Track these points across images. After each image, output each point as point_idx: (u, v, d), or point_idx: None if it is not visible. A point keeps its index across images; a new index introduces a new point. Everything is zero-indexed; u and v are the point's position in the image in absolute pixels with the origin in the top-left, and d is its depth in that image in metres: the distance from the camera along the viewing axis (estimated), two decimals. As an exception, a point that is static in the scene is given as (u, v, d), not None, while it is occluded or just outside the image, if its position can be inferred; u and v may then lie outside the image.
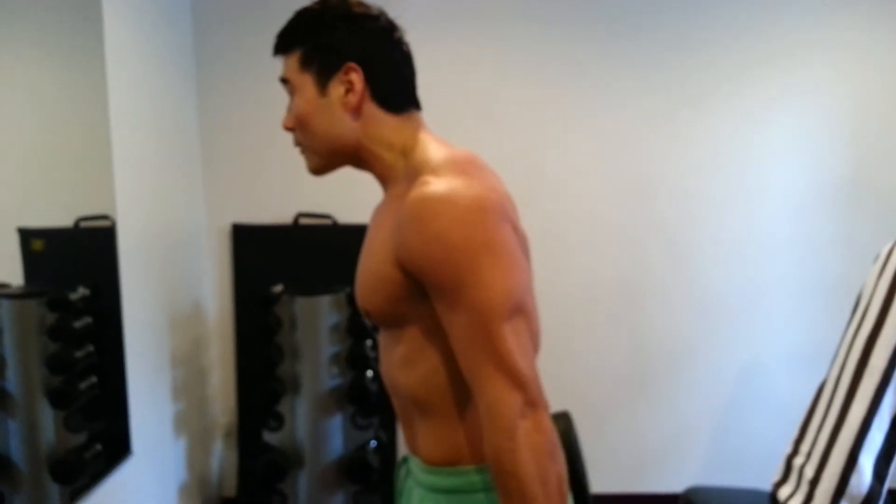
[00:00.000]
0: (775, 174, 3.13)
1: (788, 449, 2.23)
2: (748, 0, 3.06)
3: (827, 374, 2.17)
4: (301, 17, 1.18)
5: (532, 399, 0.99)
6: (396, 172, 1.16)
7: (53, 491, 1.88)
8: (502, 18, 3.06)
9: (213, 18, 3.03)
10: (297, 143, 1.24)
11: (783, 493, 2.14)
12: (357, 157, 1.19)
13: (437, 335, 1.07)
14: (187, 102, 2.98)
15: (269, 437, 2.76)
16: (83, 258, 2.12)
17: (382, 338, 1.23)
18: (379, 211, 1.22)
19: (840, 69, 3.09)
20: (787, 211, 3.15)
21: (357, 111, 1.14)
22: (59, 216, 1.96)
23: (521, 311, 1.02)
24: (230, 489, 3.27)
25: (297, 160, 3.15)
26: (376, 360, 2.74)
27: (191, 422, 2.92)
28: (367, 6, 1.18)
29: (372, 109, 1.15)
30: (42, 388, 1.85)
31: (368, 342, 2.70)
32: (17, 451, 1.76)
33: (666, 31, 3.07)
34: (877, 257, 2.10)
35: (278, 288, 2.79)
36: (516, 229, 1.10)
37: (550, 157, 3.11)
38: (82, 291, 2.04)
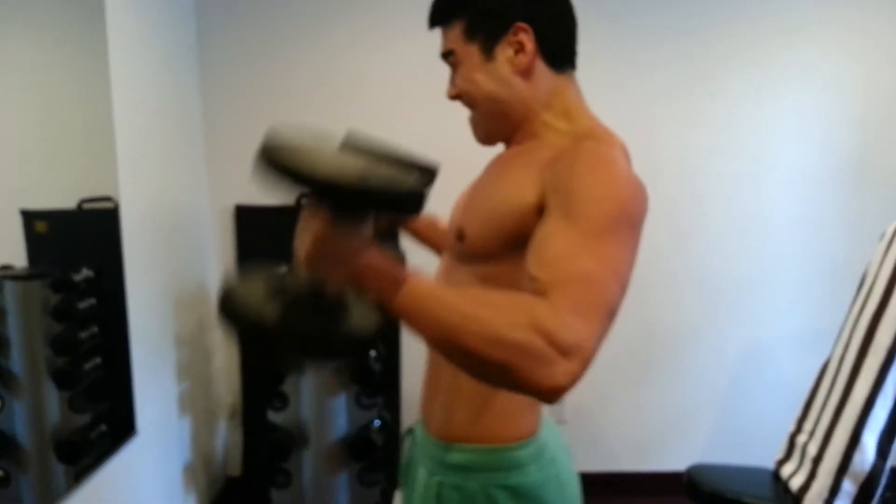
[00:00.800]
0: (781, 154, 3.12)
1: (792, 427, 2.24)
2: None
3: (831, 352, 2.17)
4: None
5: (579, 347, 0.84)
6: (551, 132, 1.13)
7: (59, 471, 1.89)
8: None
9: (217, 1, 3.01)
10: (469, 109, 1.20)
11: (786, 470, 2.15)
12: (525, 119, 1.15)
13: (502, 287, 1.01)
14: (190, 83, 2.96)
15: (274, 417, 2.77)
16: (86, 240, 2.11)
17: (446, 272, 1.19)
18: (513, 154, 1.18)
19: (847, 48, 3.06)
20: (792, 191, 3.14)
21: (528, 72, 1.12)
22: (61, 198, 1.95)
23: (623, 288, 0.94)
24: (235, 468, 3.29)
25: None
26: (380, 339, 2.74)
27: (195, 402, 2.93)
28: None
29: (541, 68, 1.12)
30: (47, 368, 1.86)
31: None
32: (22, 431, 1.77)
33: (670, 9, 3.05)
34: (882, 235, 2.10)
35: (282, 268, 2.79)
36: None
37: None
38: (86, 273, 2.04)
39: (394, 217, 0.87)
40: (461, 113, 1.21)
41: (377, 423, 2.77)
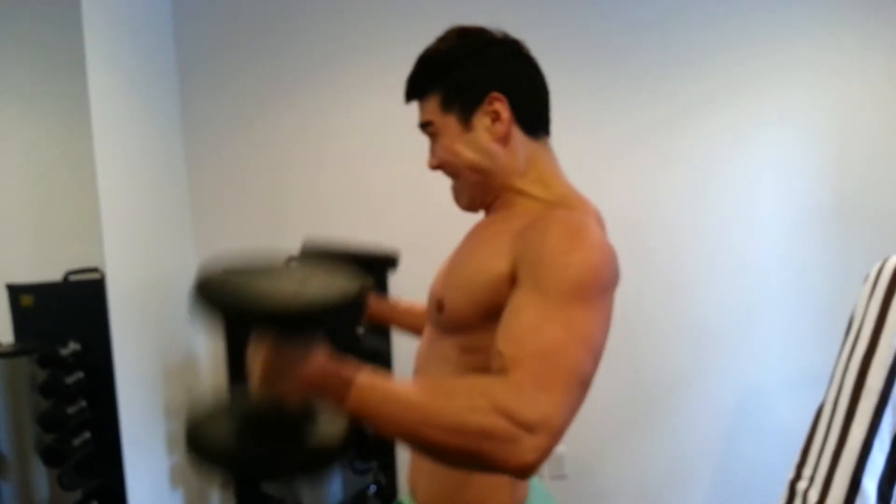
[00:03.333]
0: (761, 197, 3.15)
1: (791, 474, 2.21)
2: (729, 21, 3.10)
3: (825, 396, 2.16)
4: (429, 60, 1.18)
5: (545, 423, 0.84)
6: (525, 199, 1.15)
7: (48, 552, 1.85)
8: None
9: (198, 68, 3.06)
10: (452, 178, 1.23)
11: (789, 519, 2.11)
12: (504, 185, 1.17)
13: (480, 356, 1.05)
14: (174, 152, 2.99)
15: (267, 487, 2.73)
16: (73, 312, 2.11)
17: (430, 341, 1.20)
18: (489, 222, 1.19)
19: (824, 89, 3.12)
20: (775, 234, 3.16)
21: (506, 139, 1.14)
22: (47, 270, 1.95)
23: (594, 354, 0.95)
24: (230, 541, 3.22)
25: (288, 208, 3.18)
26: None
27: (187, 474, 2.88)
28: (487, 32, 1.18)
29: (518, 136, 1.16)
30: (35, 446, 1.83)
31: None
32: (10, 511, 1.74)
33: (645, 55, 3.11)
34: (867, 277, 2.11)
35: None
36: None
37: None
38: (73, 346, 2.02)
39: (341, 325, 0.91)
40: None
41: (373, 488, 2.73)
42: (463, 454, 0.83)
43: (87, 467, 2.06)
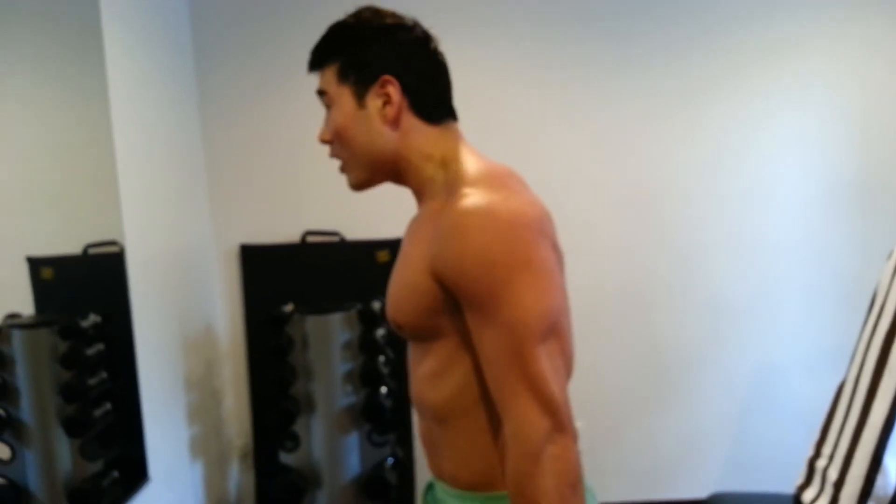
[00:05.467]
0: (783, 172, 3.11)
1: (810, 451, 2.20)
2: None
3: (846, 374, 2.14)
4: (335, 30, 1.18)
5: (561, 425, 0.97)
6: (435, 185, 1.14)
7: (72, 520, 1.88)
8: (496, 23, 3.06)
9: (214, 42, 3.05)
10: (335, 156, 1.22)
11: (807, 496, 2.11)
12: (396, 169, 1.18)
13: (469, 350, 1.06)
14: (191, 125, 2.99)
15: (286, 458, 2.75)
16: (93, 285, 2.12)
17: (412, 351, 1.21)
18: (415, 224, 1.21)
19: (844, 63, 3.07)
20: (796, 210, 3.13)
21: (396, 123, 1.14)
22: (67, 244, 1.96)
23: (556, 332, 1.01)
24: (249, 511, 3.26)
25: (303, 178, 3.17)
26: (390, 376, 2.73)
27: (207, 445, 2.91)
28: (400, 17, 1.18)
29: (411, 120, 1.15)
30: (56, 416, 1.85)
31: (381, 358, 2.69)
32: (33, 480, 1.76)
33: (664, 28, 3.06)
34: (890, 254, 2.08)
35: (289, 307, 2.79)
36: (555, 247, 1.09)
37: (548, 165, 3.10)
38: (93, 318, 2.04)
39: None
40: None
41: (390, 460, 2.75)
42: (572, 502, 0.97)
43: (108, 437, 2.09)
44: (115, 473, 2.10)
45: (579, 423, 3.12)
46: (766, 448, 3.20)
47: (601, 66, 3.08)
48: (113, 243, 2.18)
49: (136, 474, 2.25)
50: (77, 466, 1.92)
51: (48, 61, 1.92)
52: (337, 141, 1.19)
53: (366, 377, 2.66)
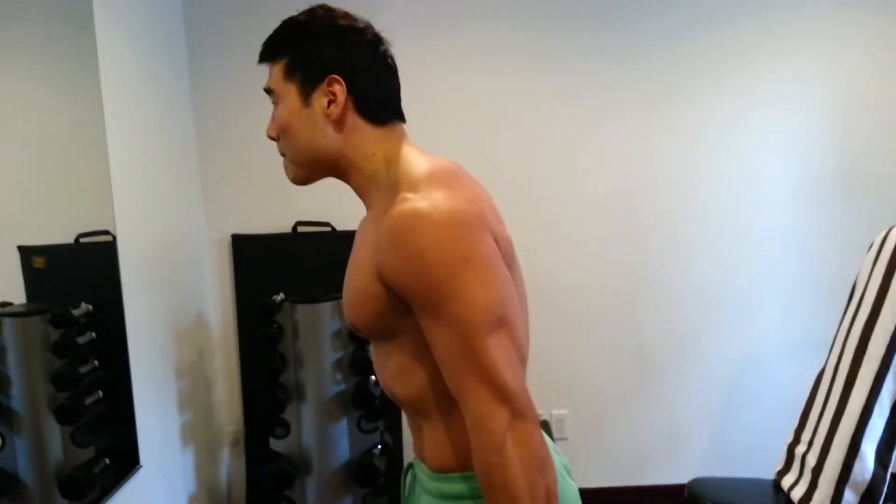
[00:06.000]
0: (764, 165, 3.15)
1: (789, 438, 2.24)
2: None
3: (825, 362, 2.18)
4: (286, 26, 1.19)
5: (519, 411, 0.98)
6: (377, 186, 1.16)
7: (63, 506, 1.90)
8: (480, 12, 3.07)
9: (205, 31, 3.05)
10: (281, 151, 1.24)
11: (786, 481, 2.15)
12: (338, 168, 1.19)
13: (428, 347, 1.07)
14: (183, 115, 2.99)
15: (276, 445, 2.78)
16: (85, 274, 2.13)
17: (375, 351, 1.23)
18: (362, 226, 1.22)
19: (825, 57, 3.11)
20: (778, 202, 3.16)
21: (340, 122, 1.15)
22: (59, 233, 1.97)
23: (505, 323, 1.01)
24: (239, 497, 3.28)
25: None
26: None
27: (198, 432, 2.93)
28: (353, 18, 1.19)
29: (355, 121, 1.16)
30: (48, 404, 1.86)
31: (370, 347, 2.71)
32: (24, 468, 1.77)
33: (646, 22, 3.09)
34: (871, 245, 2.12)
35: (279, 296, 2.81)
36: (499, 238, 1.09)
37: (531, 158, 3.12)
38: (85, 307, 2.05)
39: None
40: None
41: (379, 447, 2.78)
42: (541, 484, 1.00)
43: (99, 425, 2.10)
44: (107, 461, 2.11)
45: (564, 411, 3.16)
46: (747, 435, 3.25)
47: (584, 59, 3.09)
48: (105, 233, 2.19)
49: (127, 461, 2.27)
50: (68, 454, 1.93)
51: (40, 51, 1.92)
52: (282, 137, 1.20)
53: (355, 365, 2.69)
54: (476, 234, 1.03)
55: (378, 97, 1.18)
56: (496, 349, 0.99)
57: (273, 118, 1.22)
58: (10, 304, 1.73)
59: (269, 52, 1.20)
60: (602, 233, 3.17)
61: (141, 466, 2.33)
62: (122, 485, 2.20)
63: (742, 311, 3.21)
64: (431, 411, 1.15)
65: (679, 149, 3.14)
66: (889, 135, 3.13)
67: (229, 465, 3.30)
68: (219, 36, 3.05)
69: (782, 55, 3.09)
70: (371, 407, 2.67)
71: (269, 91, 1.21)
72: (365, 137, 1.17)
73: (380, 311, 1.09)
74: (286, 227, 3.12)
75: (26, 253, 1.77)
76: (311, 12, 1.19)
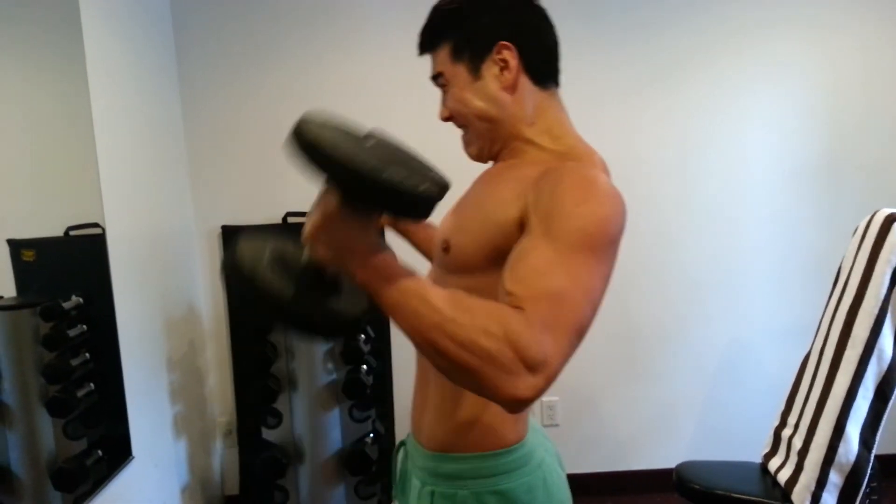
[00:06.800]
0: (752, 151, 3.17)
1: (776, 421, 2.27)
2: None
3: (811, 346, 2.21)
4: (441, 11, 1.20)
5: (545, 360, 0.86)
6: (534, 148, 1.17)
7: (56, 499, 1.90)
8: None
9: (193, 22, 3.03)
10: (462, 128, 1.25)
11: (773, 464, 2.18)
12: (510, 135, 1.19)
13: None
14: (171, 107, 2.98)
15: (269, 434, 2.79)
16: (75, 267, 2.13)
17: (438, 279, 1.21)
18: (499, 169, 1.21)
19: (813, 44, 3.12)
20: (768, 186, 3.18)
21: (514, 87, 1.16)
22: (48, 226, 1.97)
23: (594, 308, 0.97)
24: (233, 487, 3.30)
25: (284, 160, 3.19)
26: (371, 354, 2.77)
27: (190, 423, 2.94)
28: None
29: (525, 84, 1.17)
30: (39, 397, 1.87)
31: (362, 337, 2.73)
32: (17, 461, 1.77)
33: (634, 6, 3.09)
34: (855, 230, 2.14)
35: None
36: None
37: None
38: (75, 300, 2.05)
39: (399, 216, 0.91)
40: (430, 127, 1.24)
41: (371, 435, 2.80)
42: (465, 370, 0.85)
43: (91, 417, 2.10)
44: (99, 452, 2.12)
45: (554, 398, 3.18)
46: (734, 419, 3.28)
47: (571, 44, 3.07)
48: (94, 225, 2.18)
49: (119, 452, 2.28)
50: (60, 446, 1.94)
51: (26, 45, 1.92)
52: (458, 116, 1.21)
53: (346, 355, 2.70)
54: (620, 234, 1.03)
55: (544, 54, 1.20)
56: (577, 331, 0.93)
57: (443, 102, 1.23)
58: None
59: (431, 41, 1.21)
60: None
61: (133, 457, 2.33)
62: (115, 476, 2.20)
63: (729, 296, 3.24)
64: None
65: (665, 136, 3.15)
66: (875, 121, 3.15)
67: (222, 455, 3.31)
68: (207, 26, 3.04)
69: (769, 42, 3.11)
70: (362, 396, 2.69)
71: (436, 77, 1.22)
72: (532, 101, 1.18)
73: (495, 244, 1.07)
74: (276, 218, 3.12)
75: (15, 246, 1.77)
76: None
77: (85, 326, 2.08)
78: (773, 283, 3.24)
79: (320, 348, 2.71)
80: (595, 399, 3.29)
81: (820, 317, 2.21)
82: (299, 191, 3.09)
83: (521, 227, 1.03)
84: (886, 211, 1.98)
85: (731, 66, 3.12)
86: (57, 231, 2.01)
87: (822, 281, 2.49)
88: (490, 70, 1.16)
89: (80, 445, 2.05)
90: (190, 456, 2.91)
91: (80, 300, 2.07)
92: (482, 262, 1.10)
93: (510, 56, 1.14)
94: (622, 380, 3.29)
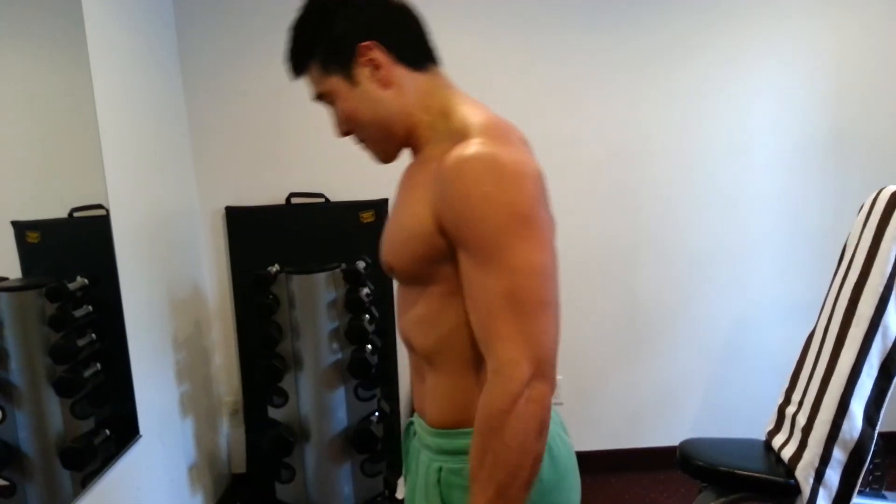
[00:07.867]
0: (757, 128, 3.15)
1: (780, 398, 2.28)
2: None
3: (816, 323, 2.21)
4: (297, 31, 1.19)
5: (543, 372, 0.99)
6: (436, 133, 1.15)
7: (65, 478, 1.92)
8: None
9: (195, 4, 3.01)
10: (359, 142, 1.24)
11: (777, 441, 2.19)
12: (407, 129, 1.19)
13: (457, 298, 1.08)
14: (174, 88, 2.97)
15: (275, 413, 2.81)
16: (80, 248, 2.14)
17: (402, 293, 1.23)
18: (412, 171, 1.21)
19: (818, 19, 3.09)
20: (774, 163, 3.17)
21: (391, 82, 1.15)
22: (52, 208, 1.97)
23: (553, 289, 1.03)
24: (239, 465, 3.33)
25: (287, 141, 3.18)
26: (375, 333, 2.78)
27: (197, 402, 2.96)
28: None
29: (401, 73, 1.16)
30: (47, 377, 1.88)
31: (366, 317, 2.73)
32: (25, 441, 1.79)
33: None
34: (861, 207, 2.13)
35: (275, 267, 2.82)
36: (549, 211, 1.10)
37: (535, 121, 3.11)
38: (81, 281, 2.06)
39: None
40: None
41: (377, 414, 2.81)
42: (534, 447, 1.01)
43: (98, 397, 2.12)
44: (107, 431, 2.13)
45: (559, 377, 3.18)
46: (738, 397, 3.29)
47: (571, 23, 3.07)
48: (98, 207, 2.19)
49: (127, 431, 2.30)
50: (68, 425, 1.95)
51: (28, 27, 1.91)
52: (352, 127, 1.20)
53: (351, 335, 2.70)
54: (540, 196, 1.05)
55: (409, 39, 1.19)
56: (542, 307, 1.00)
57: (335, 117, 1.22)
58: (5, 279, 1.74)
59: (299, 65, 1.20)
60: (592, 198, 3.18)
61: (141, 436, 2.36)
62: (123, 454, 2.23)
63: (734, 274, 3.23)
64: (442, 364, 1.16)
65: (669, 113, 3.13)
66: (880, 98, 3.13)
67: (228, 433, 3.33)
68: (208, 8, 3.02)
69: (776, 18, 3.07)
70: (368, 375, 2.70)
71: (319, 97, 1.21)
72: (415, 87, 1.17)
73: (422, 254, 1.09)
74: (280, 199, 3.12)
75: (20, 228, 1.78)
76: (306, 7, 1.18)
77: (91, 307, 2.09)
78: (778, 261, 3.23)
79: (325, 328, 2.72)
80: (599, 377, 3.30)
81: (825, 294, 2.21)
82: (302, 172, 3.10)
83: (441, 230, 1.05)
84: (892, 188, 1.97)
85: (734, 43, 3.09)
86: (61, 213, 2.01)
87: (827, 258, 2.48)
88: (363, 73, 1.15)
89: (88, 425, 2.06)
90: (197, 435, 2.93)
91: (86, 281, 2.07)
92: (422, 273, 1.12)
93: (376, 54, 1.13)
94: (626, 358, 3.29)
